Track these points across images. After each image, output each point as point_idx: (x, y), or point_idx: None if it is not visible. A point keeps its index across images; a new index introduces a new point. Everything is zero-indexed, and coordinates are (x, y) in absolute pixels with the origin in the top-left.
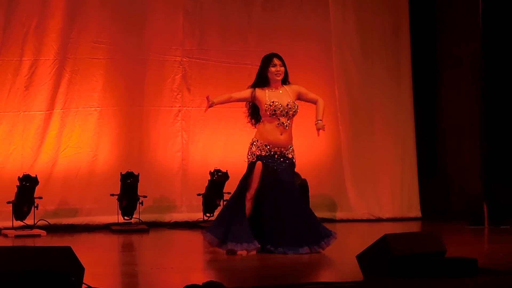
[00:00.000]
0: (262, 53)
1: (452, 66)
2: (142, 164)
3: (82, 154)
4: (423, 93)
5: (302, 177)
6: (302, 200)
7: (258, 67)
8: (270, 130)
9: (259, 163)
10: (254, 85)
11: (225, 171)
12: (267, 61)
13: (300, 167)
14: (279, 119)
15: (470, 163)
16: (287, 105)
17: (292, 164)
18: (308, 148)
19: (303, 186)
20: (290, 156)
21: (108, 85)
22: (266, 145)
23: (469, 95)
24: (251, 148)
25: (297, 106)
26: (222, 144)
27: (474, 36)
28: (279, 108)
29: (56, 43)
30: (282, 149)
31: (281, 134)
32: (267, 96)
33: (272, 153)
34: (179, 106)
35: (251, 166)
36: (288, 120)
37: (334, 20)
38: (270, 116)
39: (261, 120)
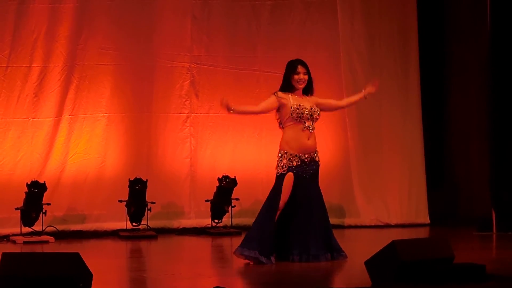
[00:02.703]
0: (270, 59)
1: (461, 72)
2: (151, 170)
3: (90, 160)
4: (431, 99)
5: None
6: (324, 206)
7: (266, 73)
8: (296, 137)
9: (290, 175)
10: (280, 89)
11: (234, 177)
12: (291, 67)
13: None
14: (305, 123)
15: (478, 169)
16: (311, 108)
17: (318, 167)
18: None
19: None
20: (317, 159)
21: (116, 91)
22: (296, 155)
23: (478, 101)
24: (281, 160)
25: (319, 111)
26: (230, 150)
27: (483, 42)
28: (305, 112)
29: (65, 50)
30: (312, 153)
31: (308, 139)
32: (291, 100)
33: (303, 160)
34: (188, 112)
35: (280, 177)
36: (313, 123)
37: (342, 27)
38: (295, 120)
39: (284, 128)
